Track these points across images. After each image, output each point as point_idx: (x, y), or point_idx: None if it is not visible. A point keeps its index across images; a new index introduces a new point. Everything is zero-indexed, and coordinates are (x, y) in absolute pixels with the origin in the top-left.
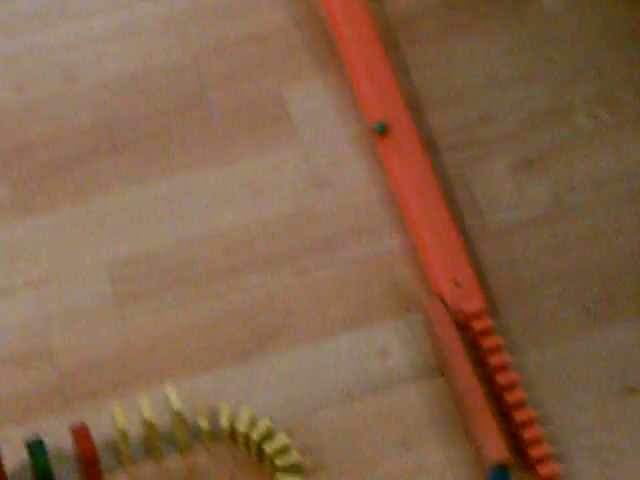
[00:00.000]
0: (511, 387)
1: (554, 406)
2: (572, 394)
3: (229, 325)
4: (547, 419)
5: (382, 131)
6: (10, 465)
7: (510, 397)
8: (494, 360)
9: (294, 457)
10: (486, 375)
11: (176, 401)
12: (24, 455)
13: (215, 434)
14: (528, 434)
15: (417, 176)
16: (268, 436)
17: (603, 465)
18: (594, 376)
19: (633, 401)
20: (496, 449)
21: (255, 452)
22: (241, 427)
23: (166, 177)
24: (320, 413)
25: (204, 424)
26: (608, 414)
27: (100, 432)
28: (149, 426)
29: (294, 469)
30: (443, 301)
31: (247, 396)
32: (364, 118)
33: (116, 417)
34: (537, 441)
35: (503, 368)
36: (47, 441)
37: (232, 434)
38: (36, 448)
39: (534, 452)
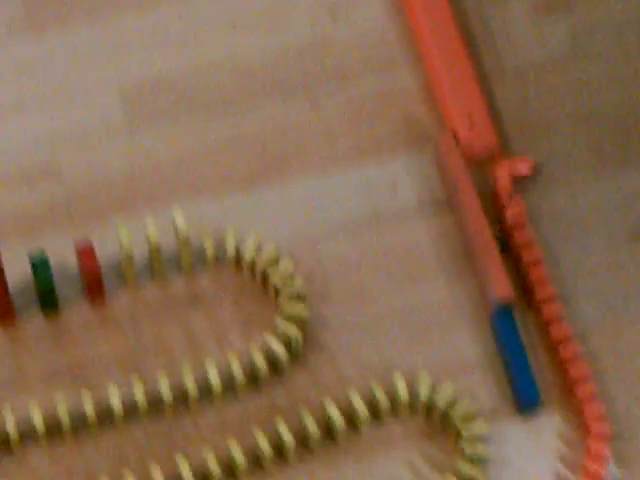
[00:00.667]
0: (519, 227)
1: (561, 247)
2: (580, 237)
3: (239, 152)
4: (554, 260)
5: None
6: (13, 280)
7: (518, 236)
8: (502, 197)
9: (298, 285)
10: (495, 213)
11: (182, 223)
12: (28, 270)
13: (220, 259)
14: (534, 274)
15: (435, 12)
16: (273, 263)
17: (608, 308)
18: (603, 220)
19: None
20: (502, 287)
21: (260, 278)
22: (247, 252)
23: (182, 1)
24: (327, 243)
25: (209, 248)
26: (616, 259)
27: (105, 251)
28: (154, 247)
29: (298, 297)
30: (455, 137)
31: (254, 223)
32: None
33: (122, 237)
34: (543, 282)
35: (513, 210)
36: (51, 258)
37: (237, 259)
38: (40, 264)
39: (539, 293)
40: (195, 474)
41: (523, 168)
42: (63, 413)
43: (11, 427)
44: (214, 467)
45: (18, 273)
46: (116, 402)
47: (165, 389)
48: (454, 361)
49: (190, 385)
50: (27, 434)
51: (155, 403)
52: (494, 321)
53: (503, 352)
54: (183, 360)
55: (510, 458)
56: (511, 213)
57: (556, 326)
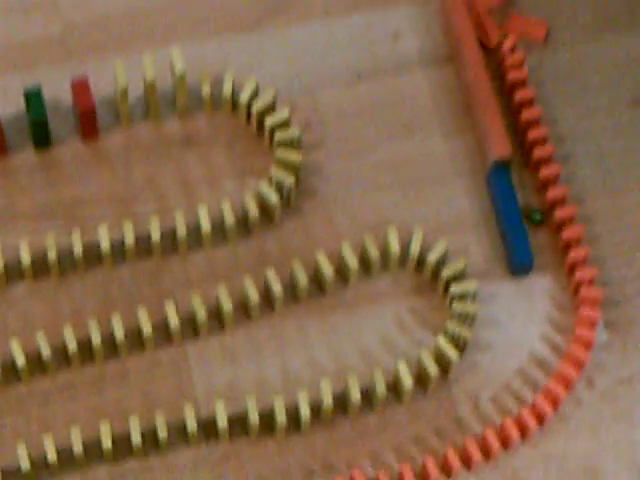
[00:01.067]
0: (520, 84)
1: (562, 108)
2: (582, 99)
3: None
4: (553, 121)
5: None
6: (6, 114)
7: (518, 94)
8: (508, 58)
9: (294, 132)
10: (498, 73)
11: (179, 62)
12: (22, 104)
13: (217, 102)
14: (533, 133)
15: None
16: (270, 108)
17: (606, 172)
18: (606, 84)
19: None
20: (500, 145)
21: (255, 123)
22: (244, 96)
23: None
24: (325, 90)
25: (206, 90)
26: (616, 123)
27: (101, 88)
28: (150, 84)
29: (293, 144)
30: None
31: (253, 67)
32: None
33: (117, 73)
34: (542, 141)
35: (515, 66)
36: (46, 93)
37: (234, 103)
38: (33, 95)
39: (538, 152)
40: (182, 318)
41: (537, 31)
42: (51, 250)
43: None
44: (201, 312)
45: (11, 107)
46: (105, 242)
47: (155, 231)
48: (448, 218)
49: (180, 228)
50: (13, 270)
51: (144, 245)
52: (490, 179)
53: (498, 212)
54: (174, 202)
55: (499, 319)
56: (511, 62)
57: (552, 187)
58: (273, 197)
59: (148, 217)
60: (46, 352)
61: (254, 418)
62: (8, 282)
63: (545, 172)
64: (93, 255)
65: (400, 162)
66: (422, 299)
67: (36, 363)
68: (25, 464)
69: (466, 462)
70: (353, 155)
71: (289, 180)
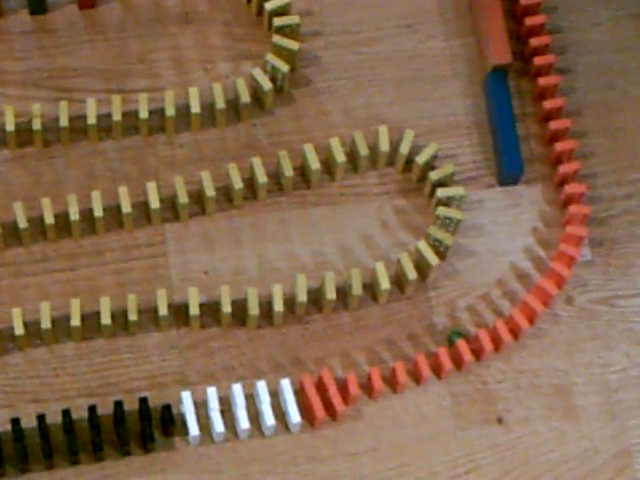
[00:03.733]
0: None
1: (567, 17)
2: (587, 7)
3: None
4: (557, 28)
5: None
6: None
7: (524, 0)
8: None
9: (293, 18)
10: None
11: None
12: None
13: None
14: (535, 41)
15: None
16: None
17: (605, 87)
18: None
19: None
20: (500, 50)
21: (255, 6)
22: None
23: None
24: None
25: None
26: (619, 37)
27: None
28: None
29: (291, 31)
30: None
31: None
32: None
33: None
34: (543, 49)
35: None
36: None
37: None
38: None
39: (538, 61)
40: (163, 200)
41: None
42: (36, 119)
43: None
44: (182, 195)
45: None
46: (92, 114)
47: (143, 107)
48: (441, 120)
49: (169, 107)
50: None
51: (131, 122)
52: (487, 84)
53: (492, 118)
54: (166, 80)
55: (483, 227)
56: None
57: (550, 97)
58: (266, 83)
59: (138, 93)
60: (22, 222)
61: (227, 307)
62: None
63: (543, 81)
64: (79, 128)
65: (398, 59)
66: (407, 201)
67: (12, 233)
68: None
69: (436, 370)
70: (352, 47)
71: (284, 67)
